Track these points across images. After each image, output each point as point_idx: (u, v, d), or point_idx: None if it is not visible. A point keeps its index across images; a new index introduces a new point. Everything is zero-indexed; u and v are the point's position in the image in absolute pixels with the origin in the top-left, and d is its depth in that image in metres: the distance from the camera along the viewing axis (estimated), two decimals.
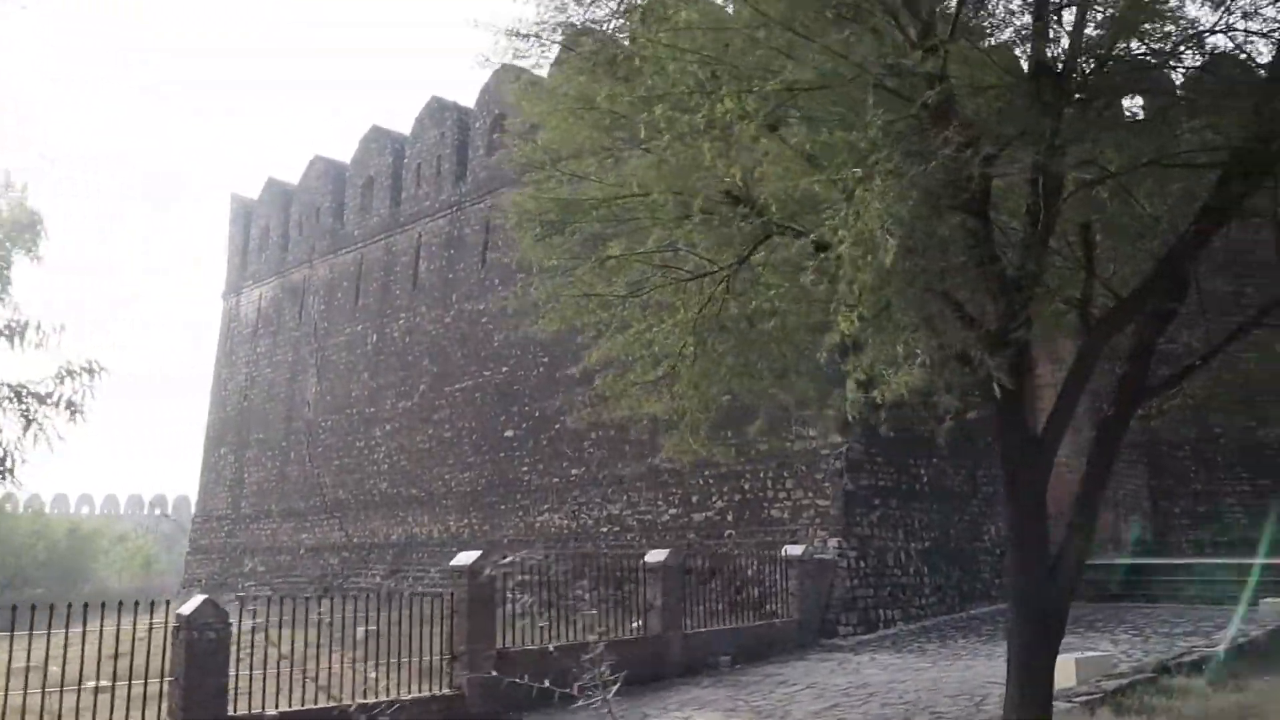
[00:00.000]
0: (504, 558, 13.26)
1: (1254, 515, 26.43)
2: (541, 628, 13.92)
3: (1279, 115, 7.67)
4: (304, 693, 11.03)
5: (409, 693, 11.65)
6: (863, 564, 17.78)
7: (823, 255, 6.18)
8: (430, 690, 11.84)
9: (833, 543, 17.67)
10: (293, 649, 11.45)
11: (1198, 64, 8.67)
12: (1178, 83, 9.85)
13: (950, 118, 5.99)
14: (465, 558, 12.46)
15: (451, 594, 12.22)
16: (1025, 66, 8.00)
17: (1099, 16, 8.09)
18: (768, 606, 17.09)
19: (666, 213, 8.95)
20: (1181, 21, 7.82)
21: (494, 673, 11.63)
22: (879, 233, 5.23)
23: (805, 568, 16.72)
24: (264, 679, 10.61)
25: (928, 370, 6.70)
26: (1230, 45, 7.53)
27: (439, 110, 31.12)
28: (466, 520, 25.86)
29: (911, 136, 5.86)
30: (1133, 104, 10.24)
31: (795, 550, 16.76)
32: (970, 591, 20.04)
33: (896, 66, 5.91)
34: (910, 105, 5.82)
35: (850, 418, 7.36)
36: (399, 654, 11.92)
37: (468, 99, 30.48)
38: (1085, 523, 8.67)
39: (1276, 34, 7.57)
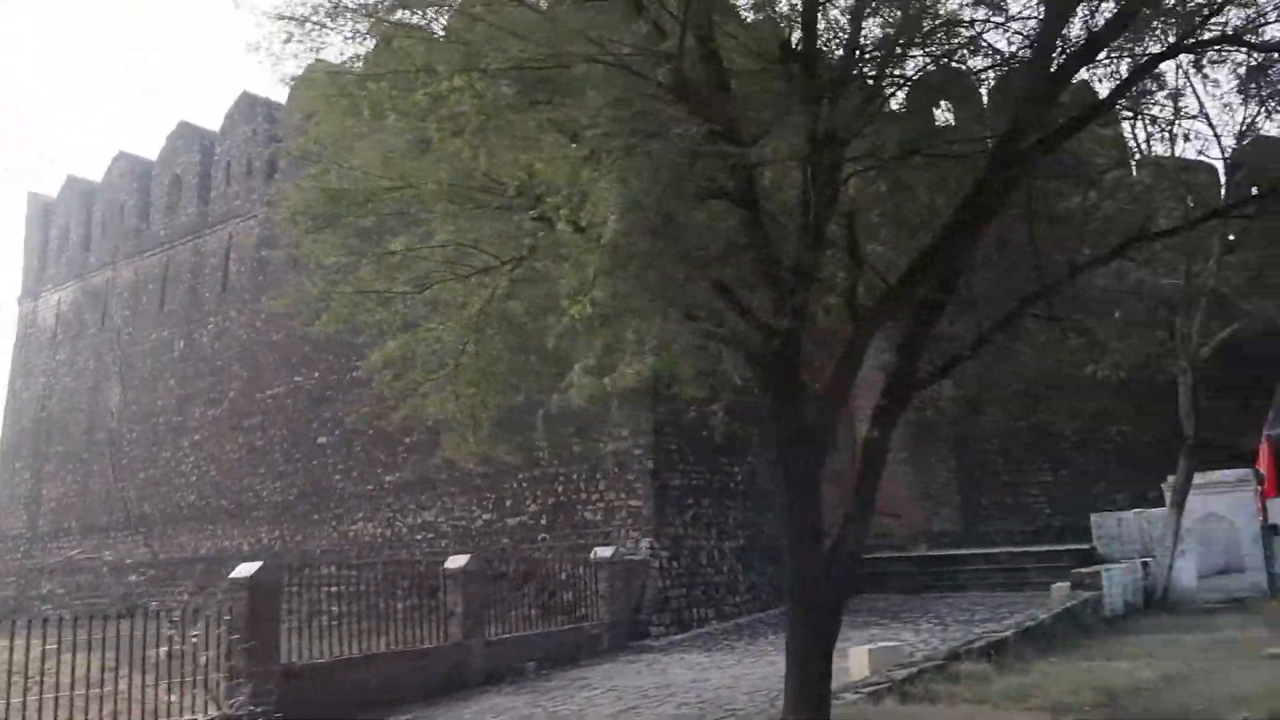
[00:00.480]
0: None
1: (1055, 505, 27.70)
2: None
3: (1029, 112, 7.85)
4: None
5: (180, 716, 10.91)
6: (675, 564, 17.73)
7: (540, 234, 5.94)
8: (207, 713, 11.13)
9: (645, 543, 17.56)
10: (92, 674, 10.60)
11: (968, 61, 8.83)
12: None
13: (690, 98, 5.82)
14: (245, 569, 11.78)
15: (230, 608, 11.53)
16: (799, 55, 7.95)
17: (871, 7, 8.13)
18: (580, 610, 16.87)
19: (434, 204, 8.61)
20: (939, 14, 7.92)
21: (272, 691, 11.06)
22: (606, 212, 5.00)
23: (615, 569, 16.54)
24: (40, 708, 9.76)
25: (665, 359, 6.54)
26: (972, 35, 7.61)
27: (249, 106, 29.85)
28: (278, 532, 24.82)
29: (647, 116, 5.66)
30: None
31: (605, 552, 16.56)
32: (785, 588, 20.23)
33: (637, 45, 5.70)
34: (648, 84, 5.62)
35: (581, 403, 7.13)
36: (196, 673, 11.19)
37: (282, 95, 29.37)
38: (860, 515, 8.66)
39: (1021, 26, 7.72)
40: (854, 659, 12.21)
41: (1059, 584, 17.00)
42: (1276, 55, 10.86)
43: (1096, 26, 7.94)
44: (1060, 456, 28.75)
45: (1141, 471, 23.09)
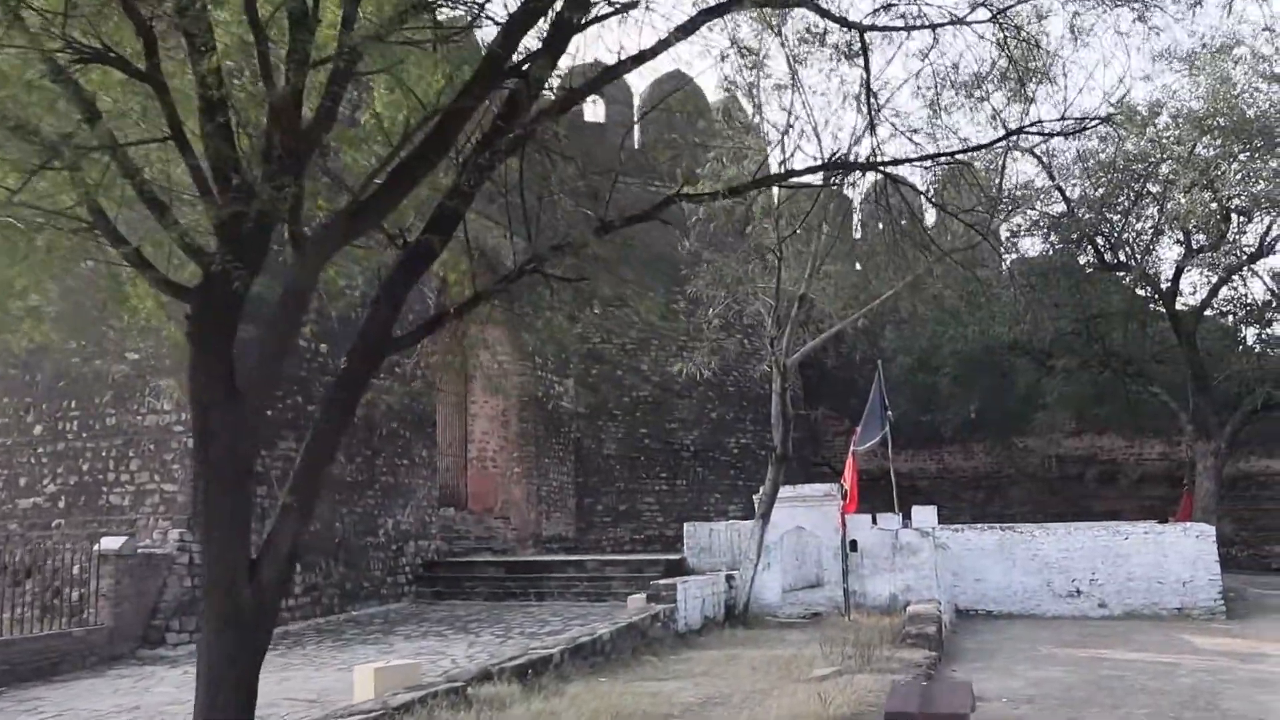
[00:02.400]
0: None
1: (669, 513, 27.33)
2: None
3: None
4: None
5: None
6: None
7: None
8: None
9: (174, 534, 14.97)
10: None
11: None
12: None
13: None
14: None
15: None
16: None
17: None
18: (87, 612, 14.14)
19: None
20: None
21: None
22: None
23: (125, 564, 13.88)
24: None
25: None
26: None
27: None
28: None
29: None
30: None
31: (113, 544, 13.87)
32: (355, 591, 18.21)
33: None
34: None
35: None
36: None
37: None
38: (302, 502, 6.83)
39: None
40: (359, 679, 10.41)
41: (636, 596, 16.01)
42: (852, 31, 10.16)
43: None
44: (680, 465, 28.59)
45: (757, 482, 22.95)
